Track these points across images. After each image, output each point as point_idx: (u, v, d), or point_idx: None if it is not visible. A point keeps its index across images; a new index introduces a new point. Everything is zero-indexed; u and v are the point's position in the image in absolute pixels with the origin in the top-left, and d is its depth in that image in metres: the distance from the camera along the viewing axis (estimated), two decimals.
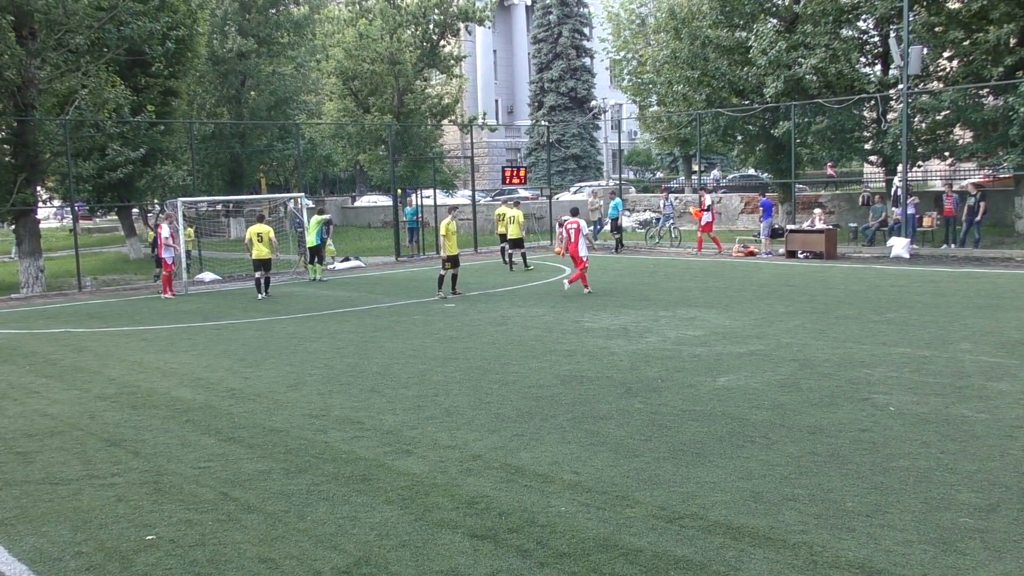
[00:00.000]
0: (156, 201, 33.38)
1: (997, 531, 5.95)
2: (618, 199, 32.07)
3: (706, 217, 28.32)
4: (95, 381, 12.00)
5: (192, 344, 14.80)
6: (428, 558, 5.87)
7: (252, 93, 44.37)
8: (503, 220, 25.73)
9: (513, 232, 24.79)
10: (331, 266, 27.65)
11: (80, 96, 25.33)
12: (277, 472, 7.78)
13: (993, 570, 5.39)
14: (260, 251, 21.01)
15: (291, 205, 29.38)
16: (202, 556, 6.03)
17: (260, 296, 20.93)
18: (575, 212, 20.53)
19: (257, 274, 21.20)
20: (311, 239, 24.50)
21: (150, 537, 6.40)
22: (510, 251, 25.13)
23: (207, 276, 25.76)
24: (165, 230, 22.32)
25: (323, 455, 8.21)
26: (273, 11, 45.40)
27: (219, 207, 41.72)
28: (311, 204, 30.52)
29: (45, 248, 26.45)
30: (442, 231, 19.72)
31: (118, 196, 31.26)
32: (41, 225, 27.73)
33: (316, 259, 24.49)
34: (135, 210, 37.93)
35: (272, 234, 21.48)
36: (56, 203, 35.17)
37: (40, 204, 28.14)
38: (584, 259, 19.44)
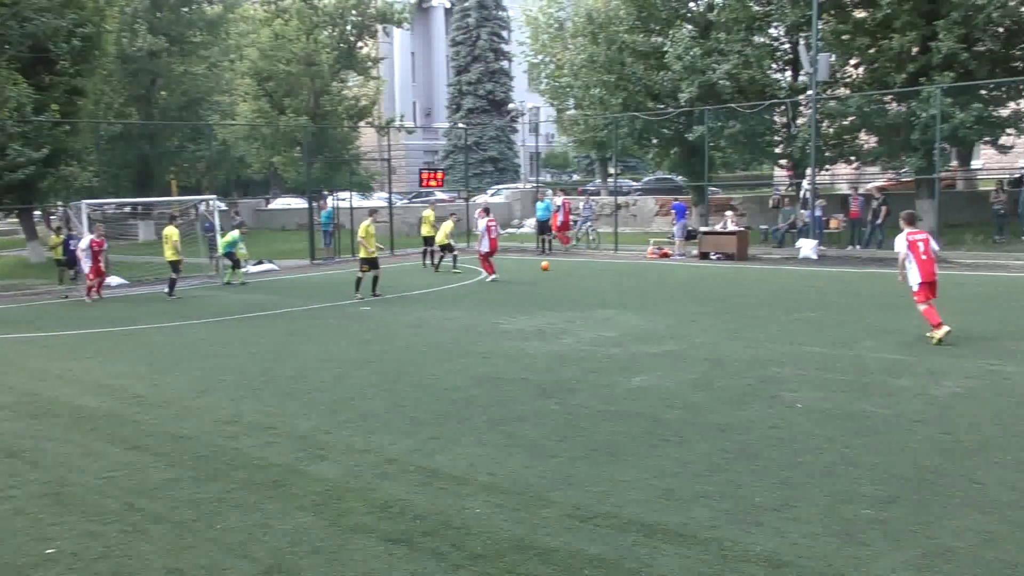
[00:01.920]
0: (60, 203, 32.34)
1: (896, 522, 6.14)
2: (547, 200, 32.21)
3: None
4: None
5: (97, 350, 14.37)
6: (342, 564, 5.79)
7: (163, 93, 43.33)
8: (427, 222, 26.16)
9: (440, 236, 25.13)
10: (243, 269, 27.14)
11: None
12: (186, 480, 7.59)
13: (893, 559, 5.55)
14: (165, 253, 21.61)
15: (202, 208, 28.76)
16: (106, 569, 5.84)
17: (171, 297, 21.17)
18: (487, 211, 21.51)
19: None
20: (221, 248, 24.01)
21: (50, 551, 6.17)
22: (444, 254, 25.21)
23: (114, 280, 25.03)
24: (84, 241, 21.47)
25: (234, 462, 8.05)
26: (185, 9, 44.40)
27: (127, 209, 40.58)
28: (223, 207, 29.96)
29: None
30: (361, 233, 19.68)
31: (19, 198, 30.15)
32: None
33: (234, 264, 23.91)
34: (37, 213, 36.64)
35: (173, 236, 21.59)
36: None
37: None
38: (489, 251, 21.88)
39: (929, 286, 12.84)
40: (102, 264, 21.48)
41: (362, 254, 19.66)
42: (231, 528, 6.47)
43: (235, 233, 24.13)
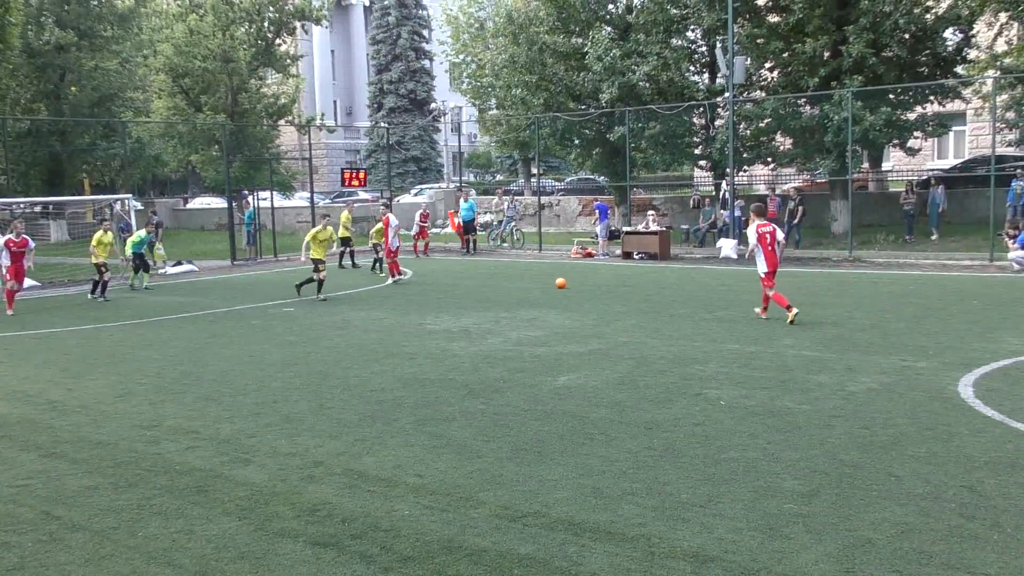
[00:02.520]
0: None
1: (818, 515, 6.31)
2: (471, 200, 32.19)
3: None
4: None
5: (8, 355, 13.88)
6: (269, 569, 5.71)
7: (73, 88, 41.97)
8: (343, 224, 26.20)
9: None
10: (162, 271, 26.53)
11: None
12: (105, 487, 7.39)
13: (815, 552, 5.71)
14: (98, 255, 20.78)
15: (117, 207, 28.01)
16: None
17: (92, 297, 20.86)
18: (388, 207, 22.55)
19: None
20: (128, 250, 23.02)
21: None
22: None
23: (26, 282, 24.18)
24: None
25: (155, 467, 7.86)
26: (95, 2, 43.10)
27: (37, 208, 39.26)
28: (139, 206, 29.19)
29: None
30: (320, 236, 19.69)
31: None
32: None
33: (142, 267, 23.04)
34: None
35: (97, 236, 20.87)
36: None
37: None
38: (395, 250, 22.22)
39: (774, 274, 14.57)
40: (27, 265, 19.80)
41: (315, 255, 19.44)
42: (153, 535, 6.32)
43: (141, 233, 23.19)
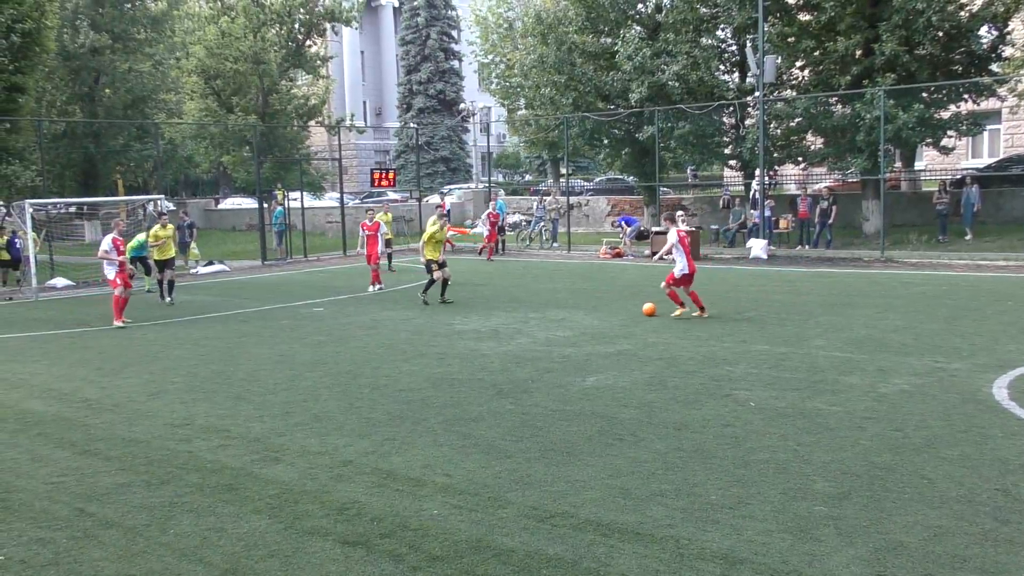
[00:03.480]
0: (1, 203, 31.56)
1: (849, 518, 6.25)
2: (501, 201, 32.14)
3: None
4: None
5: (44, 353, 14.07)
6: (298, 567, 5.75)
7: (107, 91, 42.50)
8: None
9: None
10: (193, 270, 26.79)
11: None
12: (137, 485, 7.47)
13: (846, 555, 5.65)
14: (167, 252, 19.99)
15: (150, 208, 28.30)
16: None
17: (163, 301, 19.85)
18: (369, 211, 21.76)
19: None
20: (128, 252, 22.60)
21: None
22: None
23: (59, 282, 24.55)
24: (106, 242, 17.26)
25: (187, 465, 7.94)
26: (128, 6, 43.61)
27: (72, 209, 39.78)
28: (171, 206, 29.47)
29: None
30: (437, 236, 18.23)
31: None
32: None
33: (146, 271, 22.28)
34: None
35: (154, 232, 20.33)
36: None
37: None
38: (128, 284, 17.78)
39: (690, 277, 15.50)
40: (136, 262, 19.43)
41: (429, 255, 18.07)
42: (185, 533, 6.39)
43: (140, 237, 22.27)
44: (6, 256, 24.53)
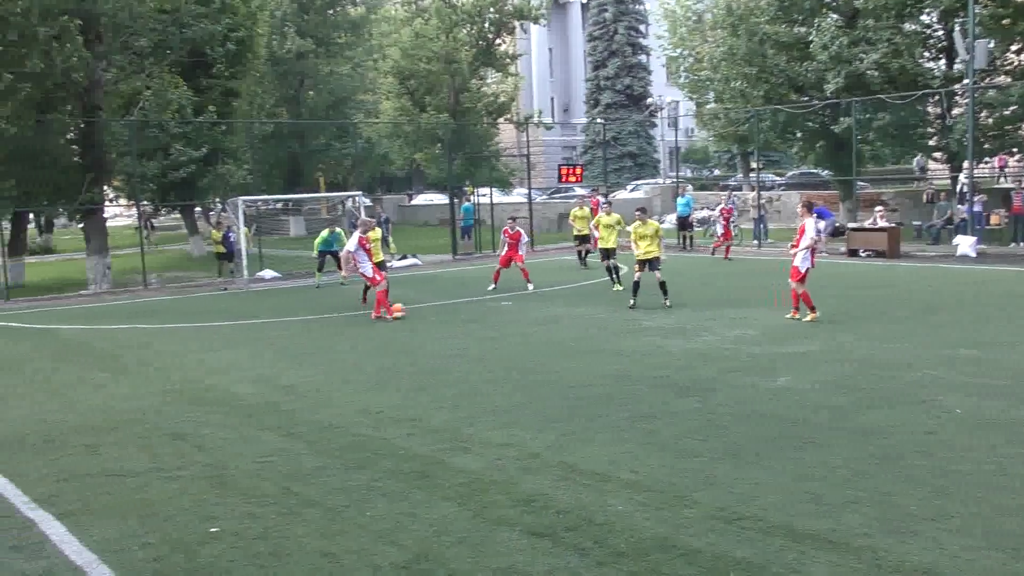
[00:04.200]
0: (217, 200, 34.00)
1: None
2: (688, 196, 31.67)
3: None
4: (159, 377, 12.26)
5: (253, 340, 15.05)
6: (486, 555, 5.90)
7: (310, 93, 44.89)
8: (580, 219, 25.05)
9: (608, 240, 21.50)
10: (390, 264, 27.90)
11: (144, 97, 25.91)
12: (336, 468, 7.88)
13: None
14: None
15: (348, 204, 29.68)
16: (264, 549, 6.14)
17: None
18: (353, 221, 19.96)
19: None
20: (316, 248, 23.40)
21: (214, 529, 6.53)
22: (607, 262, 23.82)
23: (267, 274, 26.13)
24: (353, 242, 17.13)
25: (381, 451, 8.29)
26: (331, 12, 45.88)
27: (278, 205, 42.29)
28: (368, 202, 30.74)
29: (111, 246, 27.05)
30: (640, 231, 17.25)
31: (181, 195, 31.88)
32: (110, 224, 28.41)
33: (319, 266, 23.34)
34: (197, 209, 38.62)
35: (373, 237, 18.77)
36: (122, 202, 35.98)
37: (107, 203, 28.83)
38: (383, 276, 17.18)
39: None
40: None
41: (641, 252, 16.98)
42: (380, 515, 6.68)
43: (324, 234, 23.06)
44: (222, 249, 26.38)
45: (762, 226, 31.08)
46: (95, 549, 6.25)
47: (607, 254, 20.38)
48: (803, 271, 14.39)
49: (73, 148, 25.97)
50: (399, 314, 16.75)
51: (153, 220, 45.31)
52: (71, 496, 7.39)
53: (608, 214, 21.04)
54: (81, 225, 28.86)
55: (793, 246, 14.82)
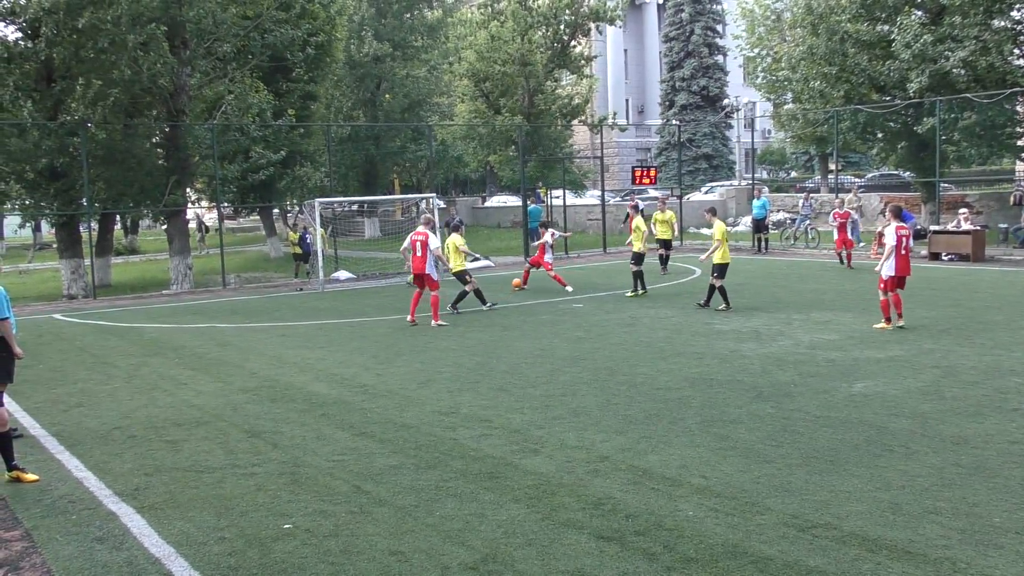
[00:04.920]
0: (295, 202, 34.62)
1: None
2: (764, 198, 31.21)
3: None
4: (238, 374, 12.54)
5: (328, 340, 15.28)
6: (554, 557, 5.89)
7: (387, 96, 45.43)
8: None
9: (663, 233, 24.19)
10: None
11: (226, 101, 26.56)
12: (407, 467, 7.95)
13: None
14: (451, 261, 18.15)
15: (423, 205, 29.95)
16: (335, 546, 6.23)
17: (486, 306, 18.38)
18: (449, 224, 19.48)
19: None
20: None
21: (287, 526, 6.65)
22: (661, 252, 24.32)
23: (343, 275, 26.52)
24: (434, 240, 16.83)
25: (452, 452, 8.34)
26: (408, 16, 46.37)
27: (354, 207, 42.90)
28: (442, 204, 30.96)
29: (192, 247, 27.77)
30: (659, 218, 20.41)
31: (260, 197, 32.57)
32: (191, 225, 29.18)
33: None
34: (276, 210, 39.39)
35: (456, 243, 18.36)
36: (204, 204, 36.91)
37: (189, 204, 29.62)
38: (437, 280, 16.83)
39: (899, 280, 13.96)
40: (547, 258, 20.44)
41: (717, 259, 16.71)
42: (449, 516, 6.72)
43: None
44: (298, 250, 26.85)
45: (852, 227, 30.04)
46: (173, 542, 6.42)
47: (666, 245, 23.95)
48: (885, 278, 13.93)
49: (158, 152, 26.74)
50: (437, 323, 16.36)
51: (206, 223, 46.29)
52: (152, 491, 7.61)
53: (662, 211, 24.30)
54: (164, 227, 29.68)
55: (874, 254, 14.55)
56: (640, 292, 19.40)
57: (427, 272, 16.67)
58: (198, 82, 26.24)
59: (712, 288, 16.92)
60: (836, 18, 30.59)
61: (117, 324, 18.54)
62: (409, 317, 16.78)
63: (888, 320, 14.08)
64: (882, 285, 14.01)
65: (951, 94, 27.56)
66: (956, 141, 28.74)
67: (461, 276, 18.09)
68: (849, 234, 24.34)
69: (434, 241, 16.83)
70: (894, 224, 14.07)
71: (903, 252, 13.85)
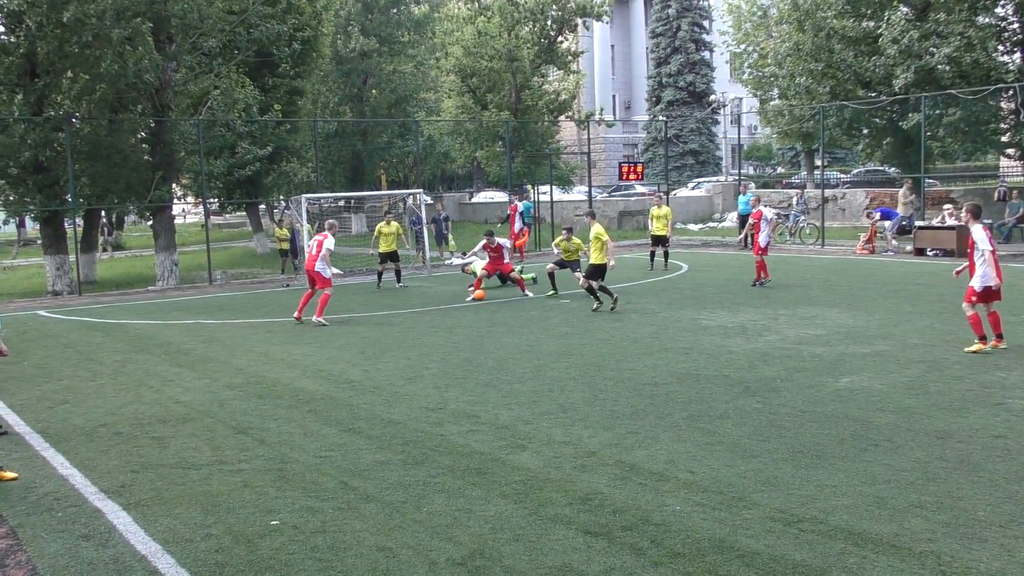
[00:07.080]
0: (282, 197, 34.54)
1: None
2: (750, 193, 31.30)
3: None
4: (224, 371, 12.50)
5: (315, 336, 15.25)
6: (542, 553, 5.90)
7: (373, 91, 45.35)
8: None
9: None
10: (449, 261, 28.03)
11: (212, 97, 26.43)
12: (395, 463, 7.95)
13: None
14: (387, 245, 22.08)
15: (409, 201, 29.90)
16: (323, 542, 6.22)
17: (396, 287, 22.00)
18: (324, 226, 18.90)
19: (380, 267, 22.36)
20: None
21: (274, 522, 6.63)
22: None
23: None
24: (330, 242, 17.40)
25: (439, 448, 8.35)
26: (394, 11, 46.29)
27: (341, 203, 42.81)
28: (429, 200, 30.92)
29: (178, 243, 27.65)
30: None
31: (246, 193, 32.45)
32: (176, 221, 29.04)
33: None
34: (262, 206, 39.27)
35: (379, 228, 22.36)
36: (189, 200, 36.81)
37: (176, 200, 29.48)
38: (328, 279, 16.86)
39: (997, 291, 11.73)
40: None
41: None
42: (437, 511, 6.72)
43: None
44: (286, 246, 26.80)
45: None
46: (159, 539, 6.39)
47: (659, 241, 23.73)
48: (979, 290, 11.60)
49: (143, 147, 26.61)
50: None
51: (106, 227, 42.20)
52: (138, 487, 7.58)
53: (659, 207, 24.12)
54: (150, 222, 29.54)
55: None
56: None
57: (317, 271, 16.91)
58: (184, 77, 26.11)
59: (591, 289, 16.69)
60: (822, 14, 30.76)
61: (103, 320, 18.46)
62: (296, 314, 17.03)
63: (984, 339, 11.69)
64: (974, 298, 11.70)
65: (936, 90, 27.72)
66: (941, 137, 28.94)
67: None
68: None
69: (330, 243, 16.92)
70: (979, 225, 11.86)
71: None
